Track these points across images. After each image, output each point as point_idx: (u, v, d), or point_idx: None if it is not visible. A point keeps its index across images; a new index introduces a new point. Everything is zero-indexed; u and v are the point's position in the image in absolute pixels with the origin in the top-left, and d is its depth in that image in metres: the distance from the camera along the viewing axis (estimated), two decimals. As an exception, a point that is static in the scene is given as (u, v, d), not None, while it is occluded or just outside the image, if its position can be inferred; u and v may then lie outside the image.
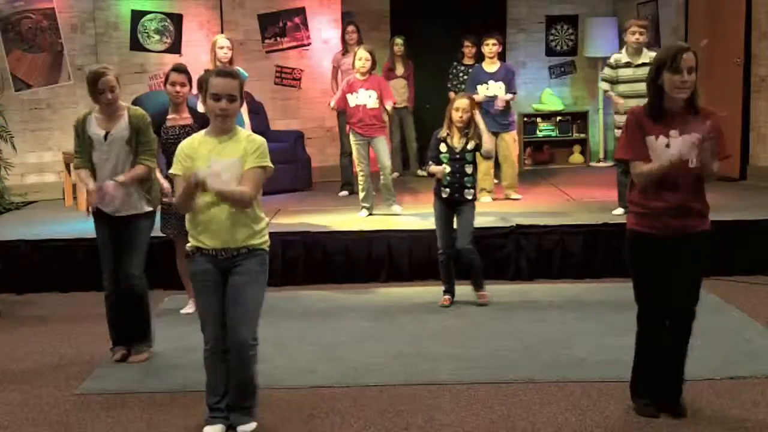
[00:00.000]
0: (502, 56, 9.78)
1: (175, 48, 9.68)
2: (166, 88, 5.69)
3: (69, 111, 9.32)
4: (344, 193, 8.97)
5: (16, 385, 4.67)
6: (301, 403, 4.20)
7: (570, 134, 11.23)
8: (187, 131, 5.58)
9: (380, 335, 5.39)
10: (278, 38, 9.97)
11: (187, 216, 3.88)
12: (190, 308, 5.87)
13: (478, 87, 8.14)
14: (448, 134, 5.80)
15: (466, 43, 9.11)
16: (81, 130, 4.88)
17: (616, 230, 6.84)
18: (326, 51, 9.84)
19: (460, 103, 5.77)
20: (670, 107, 3.78)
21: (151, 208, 4.97)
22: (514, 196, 8.32)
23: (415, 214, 7.44)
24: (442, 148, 5.81)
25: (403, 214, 7.46)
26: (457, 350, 5.02)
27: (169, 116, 5.70)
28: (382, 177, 7.53)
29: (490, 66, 8.21)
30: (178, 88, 5.62)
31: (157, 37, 9.63)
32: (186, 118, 5.71)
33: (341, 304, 6.16)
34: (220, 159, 3.75)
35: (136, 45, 9.56)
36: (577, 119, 11.25)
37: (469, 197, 5.86)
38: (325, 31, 9.94)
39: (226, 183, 3.70)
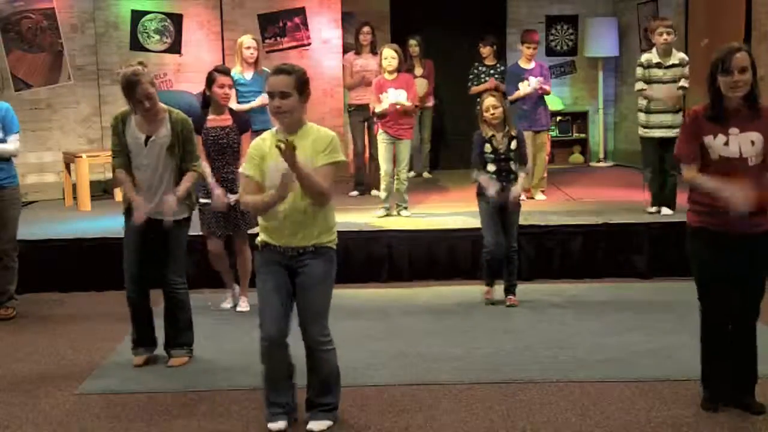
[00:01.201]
0: (502, 57, 9.83)
1: (175, 48, 9.68)
2: (213, 91, 5.72)
3: (69, 111, 9.34)
4: (354, 192, 8.92)
5: (17, 385, 4.67)
6: (301, 403, 4.19)
7: (570, 134, 11.25)
8: (227, 132, 5.71)
9: (380, 335, 5.39)
10: (278, 38, 9.97)
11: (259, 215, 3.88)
12: (243, 306, 5.97)
13: (520, 84, 8.17)
14: (493, 135, 5.79)
15: (480, 45, 9.12)
16: (120, 130, 4.75)
17: (616, 230, 6.86)
18: (326, 51, 9.84)
19: (488, 102, 5.78)
20: (729, 107, 3.79)
21: (188, 214, 4.90)
22: (539, 196, 8.29)
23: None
24: (487, 148, 5.79)
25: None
26: (457, 350, 5.02)
27: (210, 116, 5.77)
28: (396, 182, 7.49)
29: (527, 64, 8.31)
30: (227, 89, 5.74)
31: (157, 37, 9.63)
32: (227, 119, 5.77)
33: (341, 304, 6.14)
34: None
35: (136, 45, 9.56)
36: (577, 119, 11.26)
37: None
38: (325, 31, 9.93)
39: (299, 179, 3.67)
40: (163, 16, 9.63)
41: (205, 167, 5.47)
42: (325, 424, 3.92)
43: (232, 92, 5.87)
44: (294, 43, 10.02)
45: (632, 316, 5.62)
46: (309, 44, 10.02)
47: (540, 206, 7.86)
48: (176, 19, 9.67)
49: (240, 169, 3.94)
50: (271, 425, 3.90)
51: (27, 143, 9.20)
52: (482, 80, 9.04)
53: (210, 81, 5.75)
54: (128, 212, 4.83)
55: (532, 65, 8.29)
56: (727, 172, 3.76)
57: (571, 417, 4.02)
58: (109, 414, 4.23)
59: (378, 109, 7.39)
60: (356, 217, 7.44)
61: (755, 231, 3.82)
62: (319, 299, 3.86)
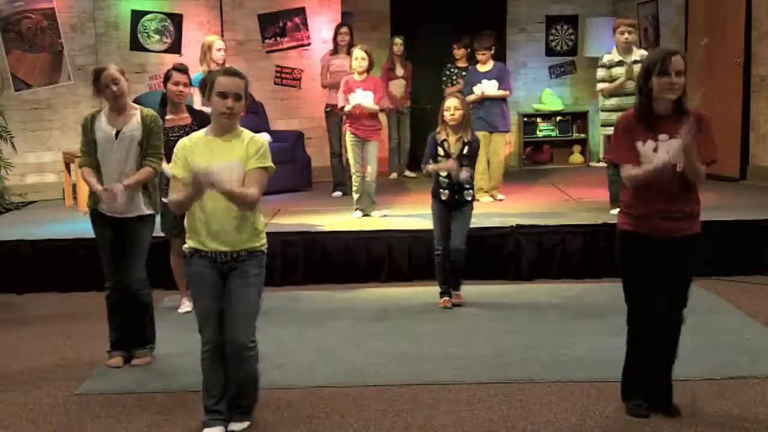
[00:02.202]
0: (502, 57, 9.84)
1: (174, 48, 9.69)
2: (167, 88, 5.67)
3: (69, 111, 9.34)
4: (338, 193, 8.96)
5: (16, 385, 4.67)
6: (301, 403, 4.20)
7: (570, 134, 11.25)
8: (186, 131, 5.57)
9: (380, 335, 5.39)
10: (278, 38, 9.98)
11: (186, 217, 3.86)
12: (187, 307, 5.90)
13: (474, 88, 8.18)
14: (445, 139, 5.79)
15: (454, 46, 9.20)
16: (89, 128, 4.80)
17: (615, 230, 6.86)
18: (326, 51, 9.83)
19: (450, 102, 5.78)
20: (659, 111, 3.80)
21: (152, 211, 4.90)
22: (498, 196, 8.32)
23: (415, 215, 7.44)
24: (440, 151, 5.80)
25: (399, 215, 7.45)
26: (457, 350, 5.02)
27: (168, 116, 5.68)
28: (366, 182, 7.48)
29: (484, 67, 8.29)
30: (181, 87, 5.63)
31: (157, 37, 9.64)
32: (185, 118, 5.71)
33: (341, 304, 6.16)
34: (220, 160, 3.74)
35: (136, 45, 9.58)
36: (577, 119, 11.26)
37: (468, 198, 5.86)
38: (325, 31, 9.93)
39: (230, 184, 3.68)
40: (163, 16, 9.64)
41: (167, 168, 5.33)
42: (245, 425, 3.93)
43: (188, 90, 5.76)
44: (294, 43, 10.03)
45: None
46: (309, 44, 10.03)
47: (540, 206, 7.86)
48: (176, 19, 9.68)
49: (166, 169, 3.92)
50: (207, 430, 3.87)
51: (27, 143, 9.23)
52: (454, 82, 9.10)
53: (166, 78, 5.69)
54: (95, 215, 4.86)
55: (488, 68, 8.25)
56: (654, 178, 3.77)
57: (571, 417, 4.02)
58: (109, 414, 4.23)
59: (346, 107, 7.41)
60: (345, 217, 7.43)
61: (680, 234, 3.83)
62: (248, 301, 3.82)
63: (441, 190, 5.83)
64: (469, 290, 6.10)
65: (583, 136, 11.22)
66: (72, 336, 5.58)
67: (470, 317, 5.74)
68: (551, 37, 11.34)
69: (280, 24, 9.98)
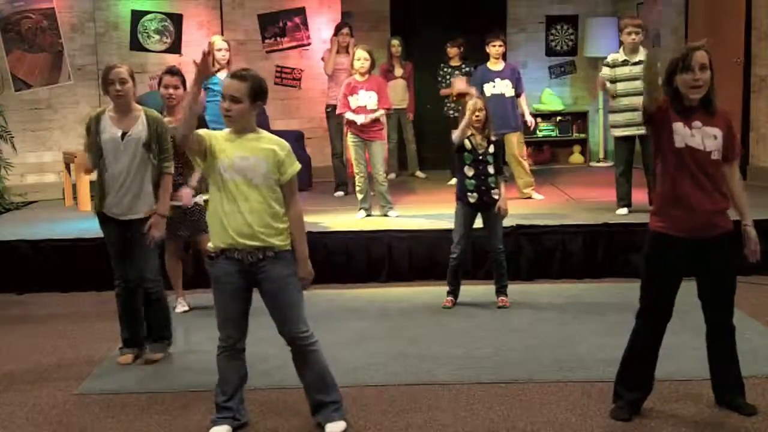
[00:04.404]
0: (503, 56, 9.83)
1: (174, 48, 9.69)
2: (160, 91, 5.68)
3: (69, 111, 9.35)
4: (340, 193, 8.97)
5: (16, 385, 4.68)
6: (301, 403, 4.19)
7: (570, 134, 11.26)
8: None
9: (380, 335, 5.39)
10: (278, 38, 9.99)
11: (209, 217, 3.86)
12: (183, 306, 5.96)
13: (485, 86, 8.10)
14: (472, 134, 5.78)
15: (447, 45, 9.31)
16: (93, 128, 4.79)
17: (616, 230, 6.86)
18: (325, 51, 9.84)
19: (475, 104, 5.74)
20: (689, 105, 3.78)
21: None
22: (535, 195, 8.28)
23: (414, 215, 7.44)
24: (466, 144, 5.76)
25: (403, 216, 7.45)
26: (457, 350, 5.02)
27: (165, 118, 5.67)
28: (376, 184, 7.49)
29: (496, 65, 8.19)
30: (171, 90, 5.59)
31: (157, 37, 9.65)
32: (182, 119, 5.69)
33: (341, 304, 6.16)
34: (244, 155, 3.75)
35: (136, 45, 9.58)
36: (577, 119, 11.27)
37: (496, 197, 5.84)
38: (325, 31, 9.94)
39: (257, 187, 3.73)
40: (163, 16, 9.64)
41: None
42: (342, 425, 3.92)
43: (179, 92, 5.69)
44: (294, 43, 10.03)
45: (632, 317, 5.60)
46: (309, 44, 10.04)
47: (540, 206, 7.87)
48: (176, 19, 9.68)
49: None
50: (215, 429, 3.87)
51: (27, 143, 9.24)
52: (447, 81, 9.11)
53: (159, 81, 5.70)
54: (102, 216, 4.89)
55: (500, 67, 8.16)
56: (691, 162, 3.75)
57: (571, 417, 4.02)
58: (109, 414, 4.23)
59: (347, 114, 7.42)
60: (345, 217, 7.43)
61: (714, 233, 3.82)
62: (288, 301, 3.82)
63: (469, 194, 5.79)
64: (469, 290, 6.10)
65: (583, 136, 11.23)
66: (72, 336, 5.58)
67: (470, 317, 5.74)
68: (551, 37, 11.34)
69: (280, 24, 9.98)
